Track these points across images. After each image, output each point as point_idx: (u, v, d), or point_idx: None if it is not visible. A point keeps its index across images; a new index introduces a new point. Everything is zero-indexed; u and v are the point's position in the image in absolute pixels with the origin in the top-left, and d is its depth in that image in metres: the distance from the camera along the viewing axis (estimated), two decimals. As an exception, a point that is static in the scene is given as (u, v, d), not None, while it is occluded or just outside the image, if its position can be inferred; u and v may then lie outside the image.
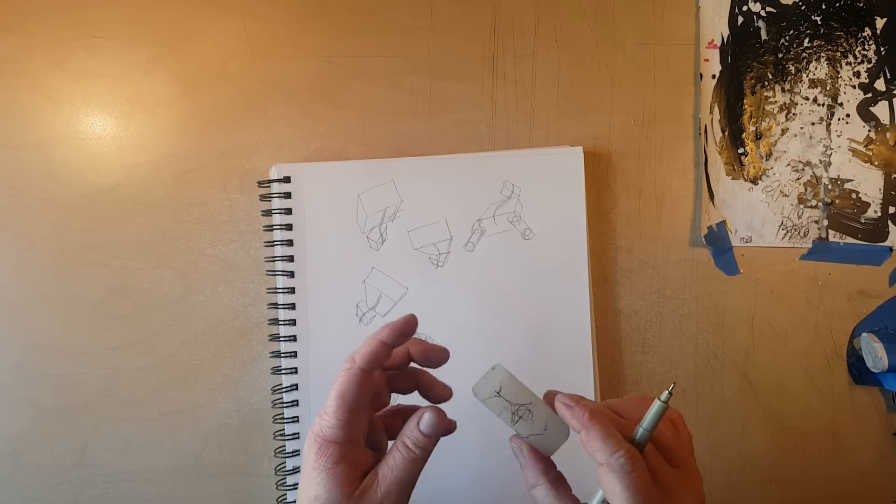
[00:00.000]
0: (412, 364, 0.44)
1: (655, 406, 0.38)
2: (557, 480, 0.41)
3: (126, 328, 0.59)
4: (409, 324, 0.41)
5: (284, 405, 0.57)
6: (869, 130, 0.62)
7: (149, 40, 0.61)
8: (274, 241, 0.58)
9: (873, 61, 0.62)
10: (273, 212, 0.58)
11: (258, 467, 0.59)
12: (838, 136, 0.62)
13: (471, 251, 0.58)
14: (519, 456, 0.42)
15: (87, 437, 0.59)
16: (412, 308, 0.58)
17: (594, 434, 0.37)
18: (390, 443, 0.42)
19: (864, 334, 0.59)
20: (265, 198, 0.59)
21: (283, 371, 0.57)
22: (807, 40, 0.62)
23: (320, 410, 0.40)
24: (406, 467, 0.40)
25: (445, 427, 0.41)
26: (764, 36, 0.62)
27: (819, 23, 0.62)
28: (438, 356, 0.43)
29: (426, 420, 0.40)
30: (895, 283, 0.61)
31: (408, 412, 0.42)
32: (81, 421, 0.59)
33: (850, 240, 0.61)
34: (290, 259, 0.58)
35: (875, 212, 0.61)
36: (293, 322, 0.58)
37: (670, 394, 0.38)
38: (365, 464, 0.40)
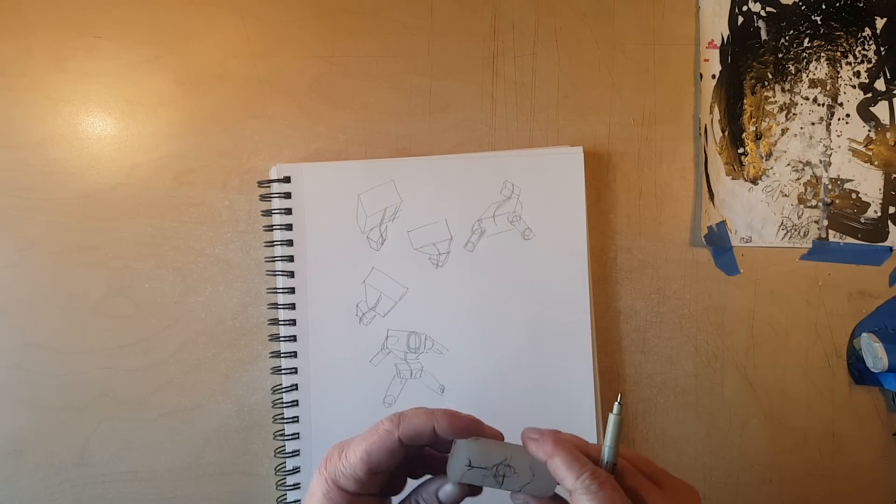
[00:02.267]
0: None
1: (610, 420, 0.36)
2: None
3: (126, 328, 0.59)
4: (469, 430, 0.38)
5: (284, 405, 0.57)
6: (869, 130, 0.62)
7: (149, 40, 0.61)
8: (274, 241, 0.58)
9: (873, 61, 0.62)
10: (273, 212, 0.58)
11: (258, 467, 0.59)
12: (838, 136, 0.62)
13: (471, 251, 0.58)
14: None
15: (87, 437, 0.59)
16: (412, 308, 0.58)
17: (559, 461, 0.35)
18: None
19: (864, 334, 0.59)
20: (265, 198, 0.59)
21: (283, 371, 0.57)
22: (807, 40, 0.62)
23: (340, 452, 0.38)
24: None
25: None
26: (764, 36, 0.62)
27: (819, 23, 0.62)
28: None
29: (447, 492, 0.38)
30: (895, 283, 0.61)
31: (432, 460, 0.41)
32: (81, 421, 0.59)
33: (850, 240, 0.61)
34: (290, 259, 0.58)
35: (875, 212, 0.61)
36: (293, 322, 0.58)
37: (620, 404, 0.37)
38: None
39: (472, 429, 0.38)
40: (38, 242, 0.59)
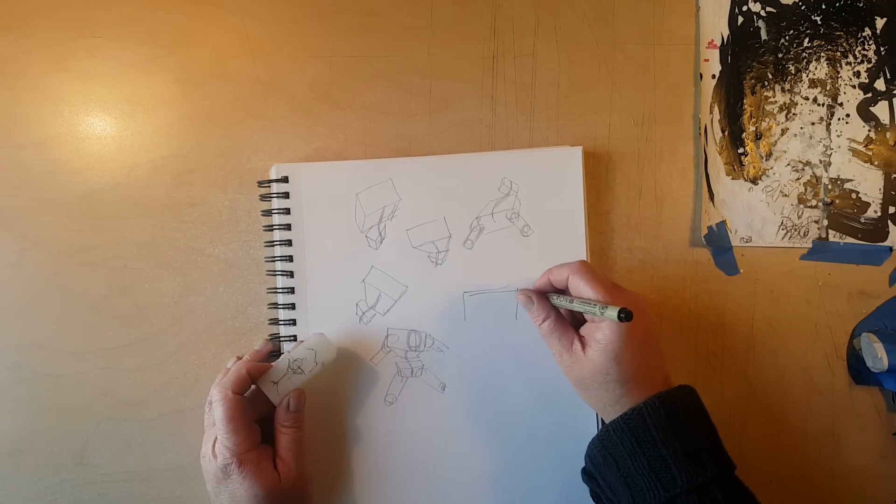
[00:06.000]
0: None
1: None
2: (558, 315, 0.52)
3: (126, 328, 0.59)
4: (260, 370, 0.52)
5: (284, 405, 0.57)
6: (869, 130, 0.62)
7: (149, 40, 0.61)
8: (274, 241, 0.58)
9: (873, 61, 0.62)
10: (273, 212, 0.58)
11: (258, 467, 0.59)
12: (838, 136, 0.62)
13: (469, 249, 0.58)
14: (528, 304, 0.53)
15: (87, 437, 0.59)
16: (412, 306, 0.58)
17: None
18: None
19: (863, 334, 0.59)
20: (265, 198, 0.59)
21: (282, 371, 0.57)
22: (807, 40, 0.62)
23: (215, 445, 0.50)
24: (294, 442, 0.52)
25: (304, 401, 0.53)
26: (764, 36, 0.62)
27: (819, 23, 0.62)
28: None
29: (294, 402, 0.52)
30: (895, 283, 0.61)
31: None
32: (81, 421, 0.59)
33: (850, 240, 0.61)
34: (290, 259, 0.58)
35: (875, 212, 0.61)
36: (293, 322, 0.58)
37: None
38: (270, 453, 0.51)
39: (264, 367, 0.53)
40: (38, 242, 0.59)
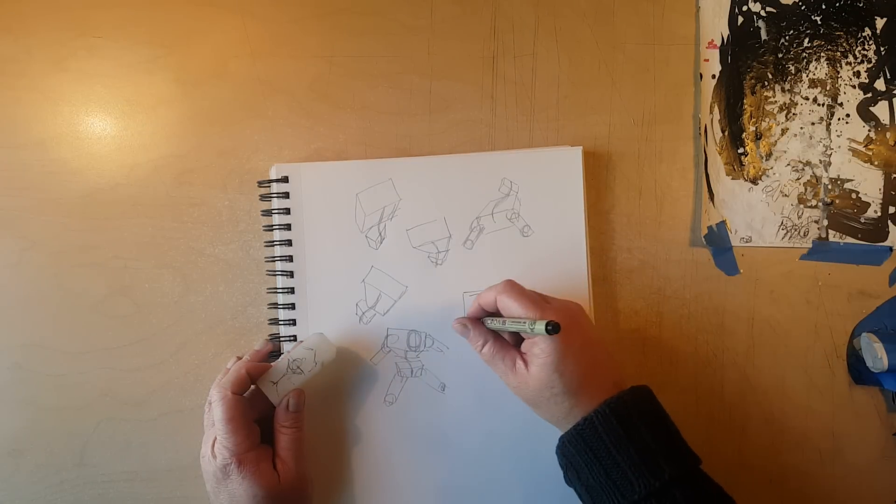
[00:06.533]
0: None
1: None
2: (497, 338, 0.52)
3: (126, 328, 0.59)
4: (260, 370, 0.52)
5: (284, 405, 0.57)
6: (869, 130, 0.62)
7: (149, 40, 0.61)
8: (274, 241, 0.58)
9: (873, 61, 0.62)
10: (273, 212, 0.58)
11: (258, 467, 0.59)
12: (838, 136, 0.62)
13: (470, 249, 0.58)
14: (465, 332, 0.53)
15: (87, 437, 0.59)
16: (412, 306, 0.58)
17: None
18: None
19: (863, 334, 0.59)
20: (265, 198, 0.59)
21: (282, 371, 0.57)
22: (807, 40, 0.62)
23: (214, 445, 0.50)
24: (294, 442, 0.52)
25: (303, 401, 0.53)
26: (764, 36, 0.62)
27: (819, 23, 0.62)
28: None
29: (293, 402, 0.52)
30: (895, 283, 0.61)
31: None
32: (81, 421, 0.59)
33: (850, 240, 0.61)
34: (290, 259, 0.58)
35: (875, 212, 0.61)
36: (293, 322, 0.58)
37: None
38: (270, 453, 0.51)
39: (263, 367, 0.53)
40: (38, 242, 0.59)
